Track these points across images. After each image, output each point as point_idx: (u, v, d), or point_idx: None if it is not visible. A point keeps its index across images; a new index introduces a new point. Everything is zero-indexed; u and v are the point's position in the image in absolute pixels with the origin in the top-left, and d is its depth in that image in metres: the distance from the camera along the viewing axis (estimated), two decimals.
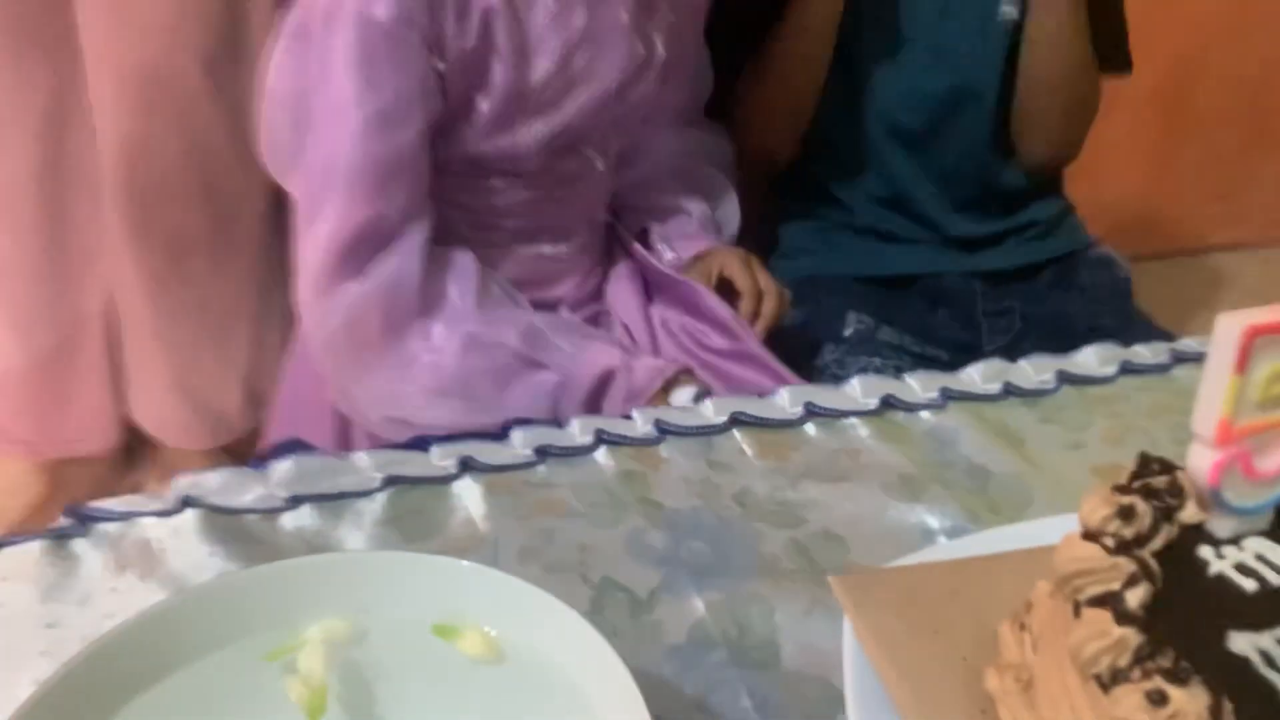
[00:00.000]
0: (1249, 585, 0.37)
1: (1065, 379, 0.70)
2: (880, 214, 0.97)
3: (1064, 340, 0.90)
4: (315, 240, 0.76)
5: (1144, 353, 0.75)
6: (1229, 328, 0.37)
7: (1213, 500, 0.39)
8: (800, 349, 0.91)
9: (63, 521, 0.54)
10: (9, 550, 0.52)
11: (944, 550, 0.52)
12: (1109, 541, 0.38)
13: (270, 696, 0.39)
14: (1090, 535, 0.39)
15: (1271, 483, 0.39)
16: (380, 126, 0.73)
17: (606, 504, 0.58)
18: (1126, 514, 0.39)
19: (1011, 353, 0.77)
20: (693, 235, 0.90)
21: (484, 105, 0.76)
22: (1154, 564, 0.38)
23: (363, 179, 0.73)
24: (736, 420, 0.64)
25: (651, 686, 0.38)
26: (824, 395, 0.66)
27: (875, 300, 0.94)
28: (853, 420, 0.65)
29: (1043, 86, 0.96)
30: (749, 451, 0.62)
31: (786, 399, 0.66)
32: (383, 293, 0.76)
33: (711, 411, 0.64)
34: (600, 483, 0.59)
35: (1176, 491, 0.40)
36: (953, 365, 0.70)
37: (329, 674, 0.40)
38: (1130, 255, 2.08)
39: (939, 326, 0.94)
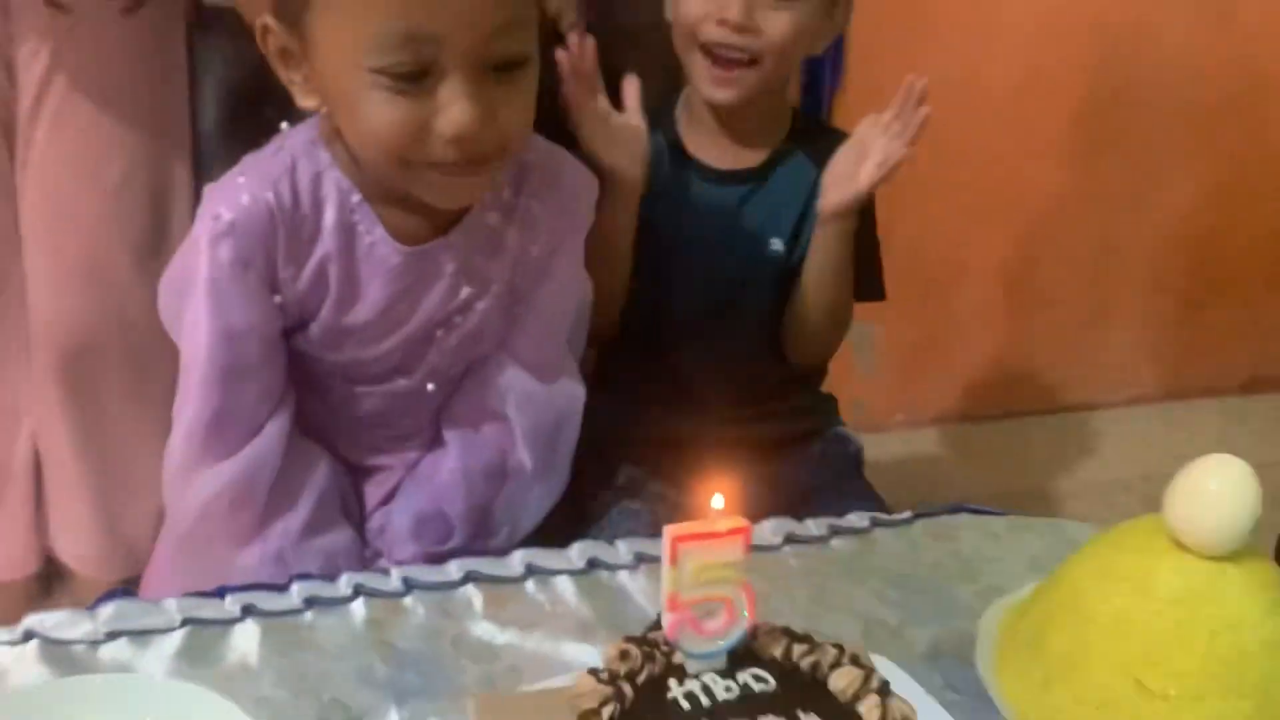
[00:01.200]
0: (686, 705, 0.56)
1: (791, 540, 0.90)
2: (663, 399, 1.18)
3: (794, 498, 1.09)
4: (177, 427, 0.93)
5: (854, 520, 0.94)
6: (667, 534, 0.57)
7: (680, 648, 0.58)
8: (580, 492, 1.07)
9: None
10: None
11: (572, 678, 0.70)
12: (604, 675, 0.57)
13: None
14: (597, 671, 0.58)
15: (718, 637, 0.58)
16: (225, 340, 0.89)
17: (350, 645, 0.76)
18: (624, 655, 0.58)
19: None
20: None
21: (314, 330, 0.93)
22: (628, 690, 0.57)
23: (207, 380, 0.90)
24: (470, 577, 0.83)
25: None
26: (544, 557, 0.85)
27: (647, 455, 1.14)
28: (564, 578, 0.84)
29: (809, 314, 1.15)
30: (477, 604, 0.81)
31: (517, 559, 0.85)
32: (233, 489, 0.90)
33: (454, 569, 0.84)
34: (351, 627, 0.78)
35: (670, 641, 0.60)
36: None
37: None
38: (987, 415, 2.31)
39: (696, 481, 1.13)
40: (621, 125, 1.07)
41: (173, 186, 1.36)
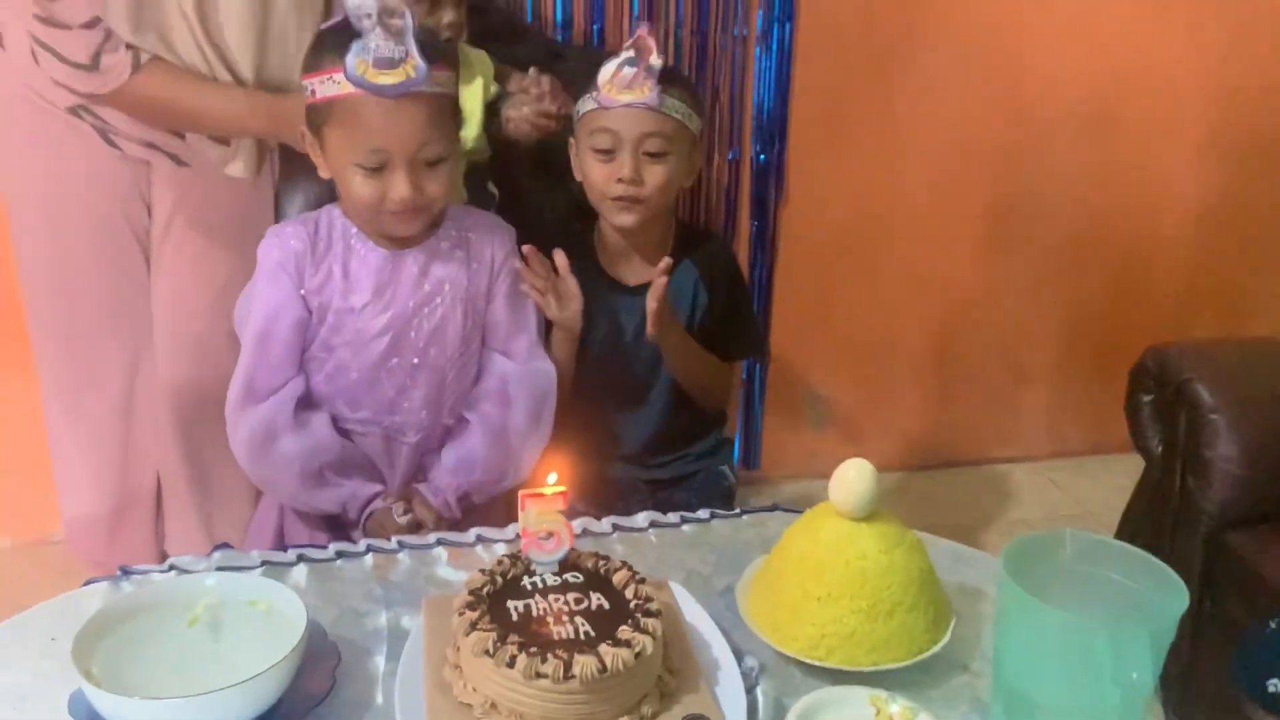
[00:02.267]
0: (529, 586, 1.04)
1: (654, 524, 1.37)
2: (597, 450, 1.65)
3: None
4: (232, 387, 1.48)
5: (700, 514, 1.41)
6: (520, 494, 1.04)
7: (530, 559, 1.06)
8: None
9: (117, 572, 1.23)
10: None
11: None
12: (487, 572, 1.05)
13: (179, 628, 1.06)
14: (484, 570, 1.06)
15: (552, 552, 1.05)
16: (266, 316, 1.45)
17: (362, 578, 1.24)
18: (499, 563, 1.06)
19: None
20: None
21: (330, 318, 1.46)
22: (499, 579, 1.04)
23: (250, 344, 1.45)
24: (441, 541, 1.31)
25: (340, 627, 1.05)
26: (489, 531, 1.33)
27: (582, 489, 1.60)
28: (500, 544, 1.31)
29: (682, 383, 1.64)
30: (444, 557, 1.29)
31: (472, 534, 1.33)
32: (262, 426, 1.45)
33: (431, 539, 1.32)
34: (364, 569, 1.26)
35: (525, 555, 1.07)
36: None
37: (203, 615, 1.07)
38: (920, 464, 2.72)
39: (612, 501, 1.60)
40: (565, 292, 1.56)
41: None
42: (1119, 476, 2.61)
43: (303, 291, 1.46)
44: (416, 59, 1.34)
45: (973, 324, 2.63)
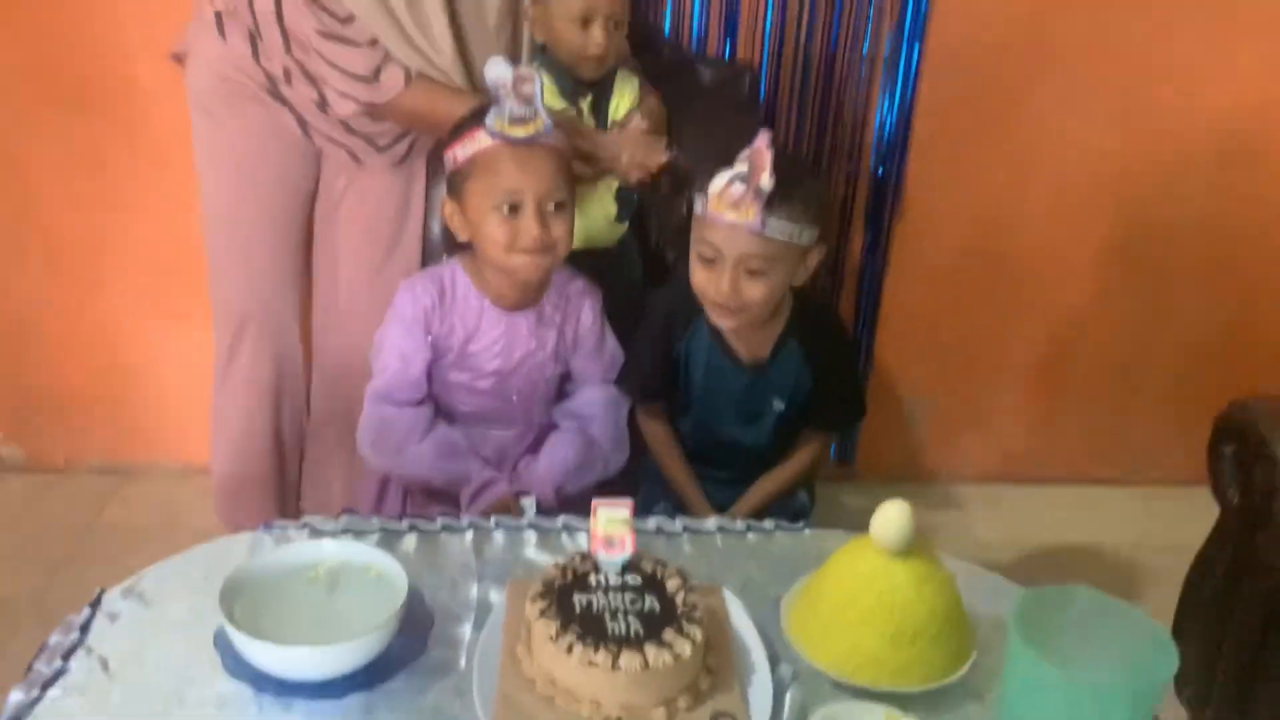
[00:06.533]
0: (593, 582, 1.20)
1: (721, 530, 1.52)
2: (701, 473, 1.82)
3: None
4: (374, 382, 1.74)
5: (765, 524, 1.54)
6: (593, 503, 1.20)
7: (598, 560, 1.22)
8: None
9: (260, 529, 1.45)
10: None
11: None
12: (560, 566, 1.22)
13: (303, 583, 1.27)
14: (558, 563, 1.23)
15: (616, 556, 1.21)
16: (401, 356, 1.69)
17: (461, 552, 1.43)
18: (571, 560, 1.23)
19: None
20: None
21: (450, 357, 1.71)
22: (570, 574, 1.21)
23: (395, 370, 1.69)
24: (532, 526, 1.49)
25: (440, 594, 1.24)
26: (574, 520, 1.50)
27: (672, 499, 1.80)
28: (582, 533, 1.48)
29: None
30: (533, 540, 1.46)
31: (560, 520, 1.50)
32: (395, 431, 1.71)
33: (524, 523, 1.50)
34: (464, 543, 1.45)
35: (593, 555, 1.23)
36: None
37: (323, 575, 1.27)
38: (1016, 478, 2.76)
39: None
40: None
41: (408, 269, 2.08)
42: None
43: (430, 338, 1.71)
44: (543, 116, 1.58)
45: (1084, 347, 2.64)
